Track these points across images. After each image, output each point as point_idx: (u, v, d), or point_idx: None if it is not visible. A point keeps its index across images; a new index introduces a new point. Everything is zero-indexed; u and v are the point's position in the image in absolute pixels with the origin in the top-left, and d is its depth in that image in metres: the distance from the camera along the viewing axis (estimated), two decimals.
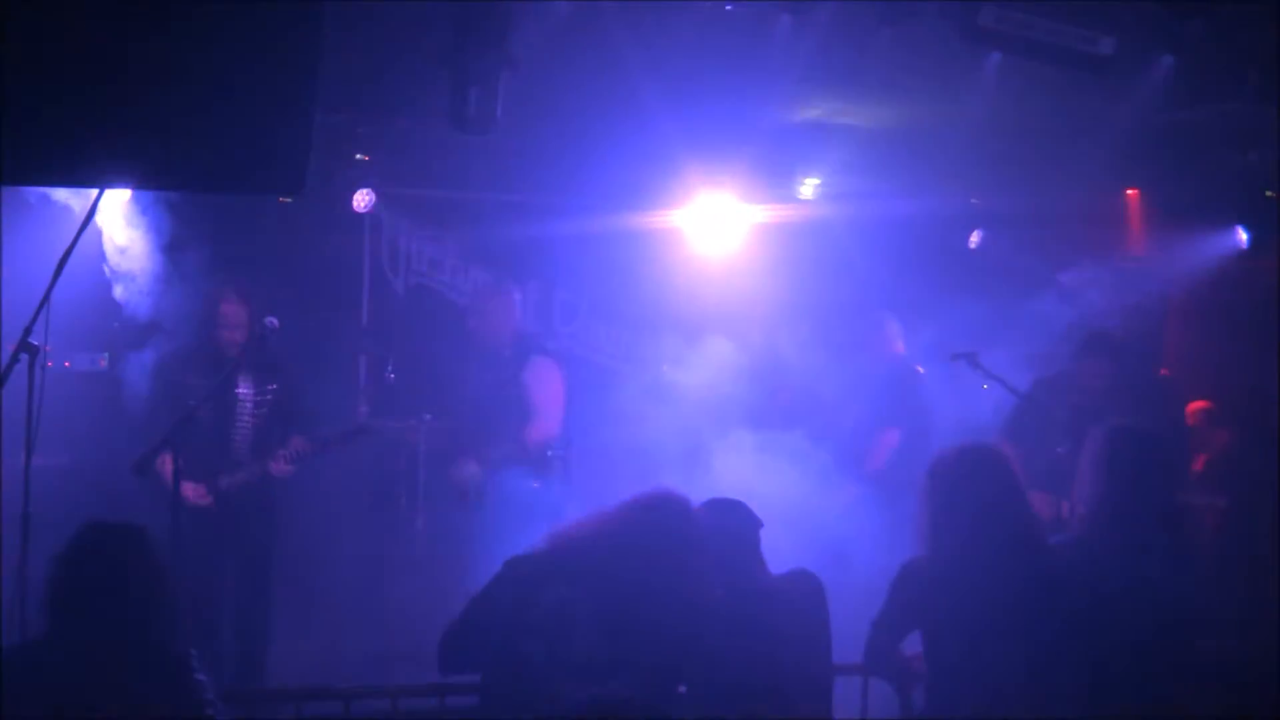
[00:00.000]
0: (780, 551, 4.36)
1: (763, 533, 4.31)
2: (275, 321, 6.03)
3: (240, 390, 6.41)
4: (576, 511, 4.39)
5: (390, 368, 8.42)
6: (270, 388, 6.49)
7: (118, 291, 6.76)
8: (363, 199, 8.55)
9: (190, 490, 6.08)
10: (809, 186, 9.28)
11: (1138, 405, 6.60)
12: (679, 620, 3.91)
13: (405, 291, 9.11)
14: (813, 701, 4.19)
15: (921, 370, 7.85)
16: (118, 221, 6.71)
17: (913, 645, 4.37)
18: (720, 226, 9.06)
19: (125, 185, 6.04)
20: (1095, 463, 4.49)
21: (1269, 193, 8.70)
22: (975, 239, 9.64)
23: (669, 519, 4.02)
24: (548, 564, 4.00)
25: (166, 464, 5.67)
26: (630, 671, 3.82)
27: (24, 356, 4.85)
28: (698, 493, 4.25)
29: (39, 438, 4.82)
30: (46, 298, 4.61)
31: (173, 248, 6.87)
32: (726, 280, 8.88)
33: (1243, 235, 9.05)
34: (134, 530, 3.61)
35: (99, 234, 6.68)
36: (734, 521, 4.24)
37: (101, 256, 6.91)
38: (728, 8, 6.40)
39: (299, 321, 6.97)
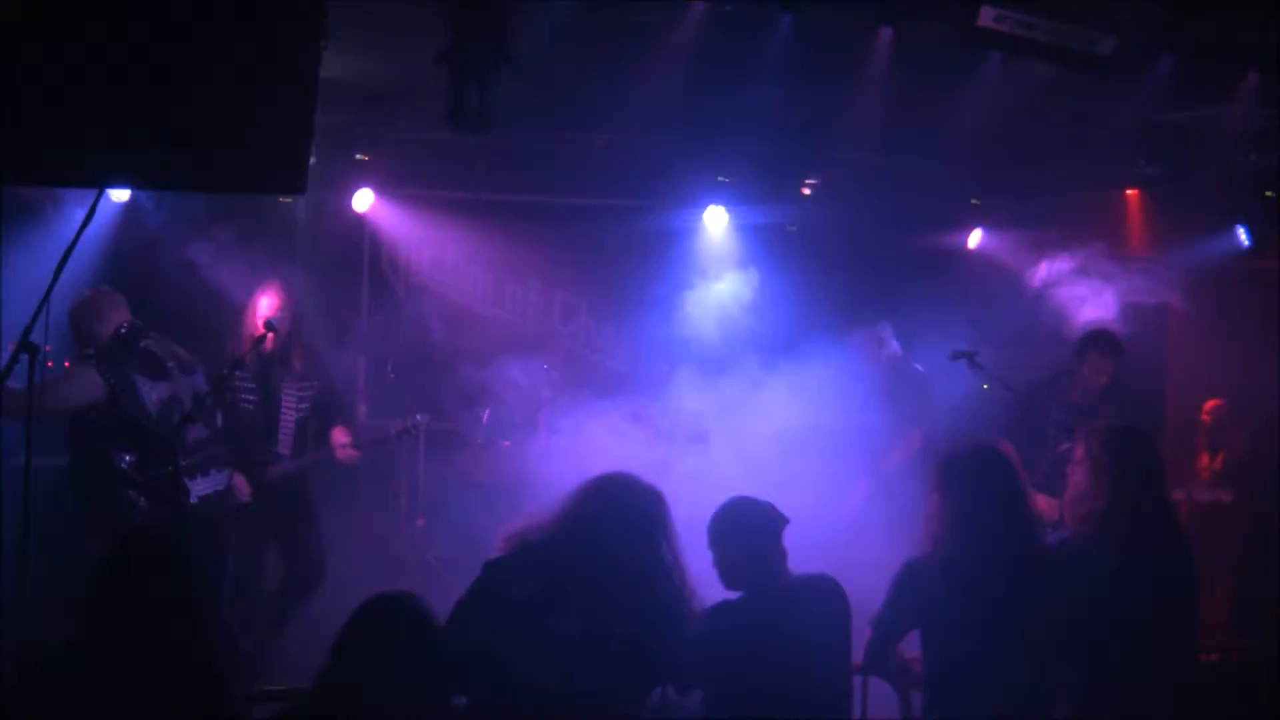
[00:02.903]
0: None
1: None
2: (275, 321, 6.16)
3: (284, 389, 6.66)
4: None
5: (390, 367, 8.44)
6: (311, 383, 6.74)
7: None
8: (363, 199, 8.56)
9: (240, 484, 6.37)
10: (808, 187, 9.29)
11: (1137, 405, 6.63)
12: (644, 596, 3.94)
13: (405, 291, 9.11)
14: (831, 707, 4.19)
15: (921, 369, 7.85)
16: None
17: (911, 646, 4.37)
18: (719, 225, 9.07)
19: (125, 185, 6.05)
20: (1088, 464, 4.50)
21: (1269, 193, 8.71)
22: (975, 239, 9.65)
23: (619, 496, 4.06)
24: (516, 560, 4.05)
25: None
26: (605, 656, 3.86)
27: (24, 356, 4.84)
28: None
29: (39, 438, 4.82)
30: (46, 298, 4.60)
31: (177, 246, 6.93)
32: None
33: (1243, 235, 9.06)
34: (177, 540, 3.62)
35: (99, 234, 6.69)
36: (757, 519, 4.24)
37: (103, 256, 6.93)
38: (727, 8, 6.40)
39: (298, 321, 6.98)
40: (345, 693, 3.34)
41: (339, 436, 6.79)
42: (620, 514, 4.02)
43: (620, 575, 3.94)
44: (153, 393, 5.80)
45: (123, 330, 5.82)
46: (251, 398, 6.57)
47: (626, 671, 3.94)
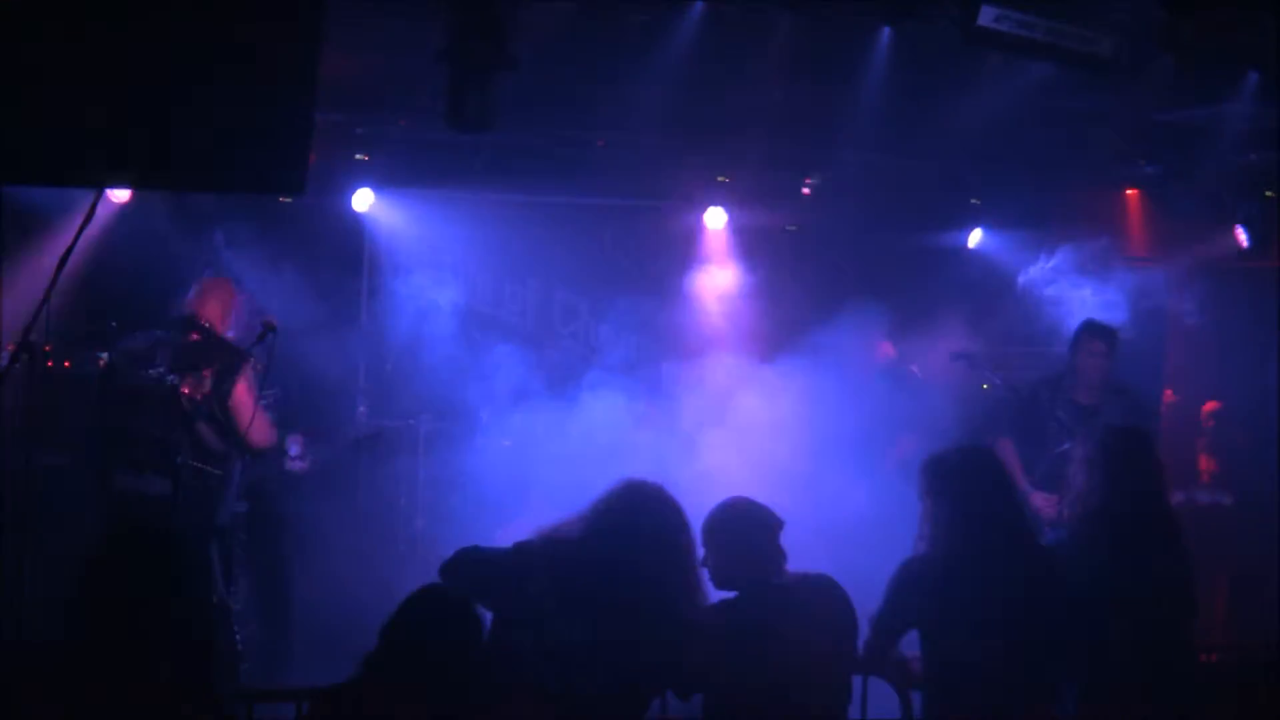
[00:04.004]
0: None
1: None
2: (274, 321, 6.07)
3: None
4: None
5: (390, 367, 8.44)
6: (269, 391, 6.41)
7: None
8: (363, 199, 8.56)
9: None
10: (808, 187, 9.29)
11: (1134, 406, 6.63)
12: (658, 604, 3.95)
13: (404, 291, 9.10)
14: (830, 706, 4.20)
15: (917, 371, 7.85)
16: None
17: (911, 646, 4.38)
18: (719, 225, 9.07)
19: (124, 185, 6.05)
20: (1087, 463, 4.52)
21: (1269, 193, 8.71)
22: (975, 239, 9.65)
23: (644, 507, 4.06)
24: (536, 557, 4.05)
25: None
26: (613, 660, 3.86)
27: (24, 356, 4.84)
28: None
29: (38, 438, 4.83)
30: (46, 297, 4.60)
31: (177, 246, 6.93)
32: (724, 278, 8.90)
33: (1242, 235, 9.05)
34: (175, 539, 3.61)
35: (98, 233, 6.68)
36: (751, 521, 4.24)
37: (103, 256, 6.93)
38: (727, 8, 6.40)
39: (298, 321, 6.97)
40: (393, 679, 3.40)
41: (293, 447, 6.57)
42: (643, 525, 4.01)
43: (636, 587, 3.93)
44: (113, 380, 5.87)
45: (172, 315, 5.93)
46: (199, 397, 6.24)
47: (632, 680, 3.94)
